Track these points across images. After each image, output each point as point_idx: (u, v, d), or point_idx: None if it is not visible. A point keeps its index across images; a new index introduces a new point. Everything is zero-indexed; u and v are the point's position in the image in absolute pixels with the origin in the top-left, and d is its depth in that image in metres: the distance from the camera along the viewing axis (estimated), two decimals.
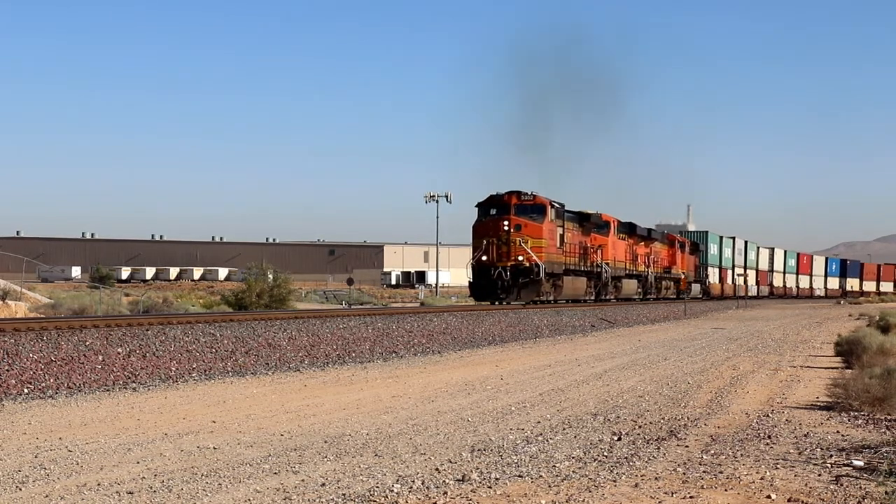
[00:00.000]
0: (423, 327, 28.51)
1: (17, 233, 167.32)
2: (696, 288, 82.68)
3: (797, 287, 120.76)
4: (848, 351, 22.07)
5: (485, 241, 42.69)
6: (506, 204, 43.33)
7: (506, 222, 42.53)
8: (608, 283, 54.83)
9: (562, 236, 46.20)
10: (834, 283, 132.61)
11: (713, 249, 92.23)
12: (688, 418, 13.10)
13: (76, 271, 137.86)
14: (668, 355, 24.38)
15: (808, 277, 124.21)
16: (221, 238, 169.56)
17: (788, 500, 8.41)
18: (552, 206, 44.69)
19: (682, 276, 76.47)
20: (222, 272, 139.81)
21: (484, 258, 42.46)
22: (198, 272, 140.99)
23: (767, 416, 13.39)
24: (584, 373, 19.49)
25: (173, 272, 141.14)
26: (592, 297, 53.13)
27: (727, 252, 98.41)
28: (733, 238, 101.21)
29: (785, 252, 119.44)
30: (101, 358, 17.70)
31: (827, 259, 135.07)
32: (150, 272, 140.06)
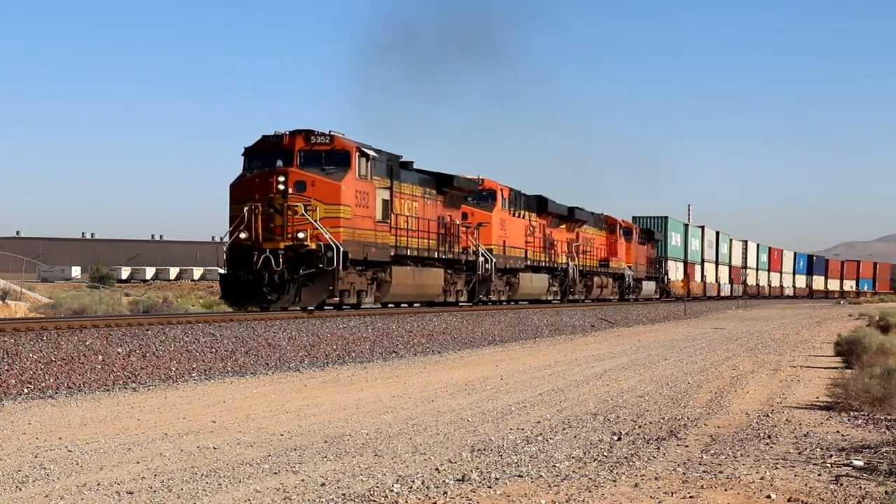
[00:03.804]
0: (423, 327, 28.52)
1: (17, 233, 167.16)
2: (648, 286, 67.42)
3: (769, 285, 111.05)
4: (848, 351, 22.09)
5: (246, 209, 27.12)
6: (286, 150, 28.09)
7: (280, 178, 27.14)
8: (491, 276, 39.24)
9: (387, 203, 30.64)
10: (801, 280, 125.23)
11: (675, 240, 77.68)
12: (688, 418, 13.11)
13: (76, 271, 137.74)
14: (668, 355, 24.38)
15: (778, 275, 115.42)
16: (221, 238, 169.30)
17: (788, 500, 8.41)
18: (363, 155, 28.88)
19: (627, 272, 61.14)
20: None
21: (243, 236, 27.13)
22: (198, 272, 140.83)
23: (767, 415, 13.39)
24: (583, 373, 19.50)
25: (173, 272, 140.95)
26: (464, 299, 38.31)
27: (694, 244, 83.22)
28: (702, 228, 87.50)
29: (758, 246, 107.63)
30: (101, 358, 17.70)
31: (795, 254, 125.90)
32: (150, 272, 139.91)
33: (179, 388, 16.41)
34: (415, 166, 34.04)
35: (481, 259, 38.58)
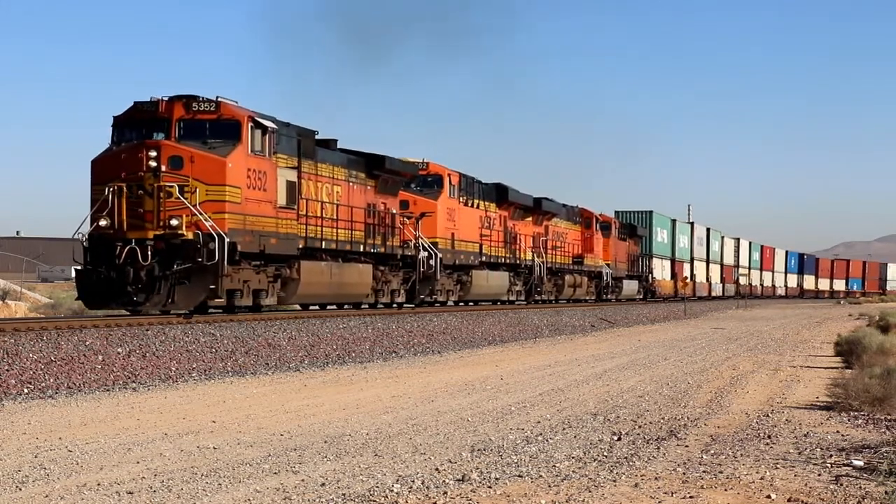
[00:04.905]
0: (423, 327, 28.51)
1: (17, 233, 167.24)
2: (630, 286, 62.68)
3: (761, 285, 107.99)
4: (848, 351, 22.09)
5: (108, 190, 22.55)
6: (162, 119, 23.32)
7: (152, 152, 22.48)
8: (436, 274, 34.19)
9: (293, 185, 25.88)
10: (793, 280, 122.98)
11: (661, 236, 72.61)
12: (688, 418, 13.11)
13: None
14: (668, 355, 24.39)
15: (770, 274, 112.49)
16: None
17: (788, 500, 8.41)
18: (258, 126, 24.11)
19: (605, 270, 56.43)
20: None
21: (103, 223, 22.51)
22: None
23: (767, 415, 13.40)
24: (583, 373, 19.50)
25: None
26: (402, 299, 33.22)
27: (683, 241, 78.21)
28: (691, 224, 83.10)
29: (750, 244, 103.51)
30: (101, 358, 17.70)
31: (787, 253, 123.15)
32: None
33: (179, 388, 16.41)
34: (341, 146, 29.72)
35: (423, 254, 33.50)
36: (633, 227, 65.29)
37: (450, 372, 19.65)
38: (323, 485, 8.88)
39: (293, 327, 24.14)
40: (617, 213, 66.93)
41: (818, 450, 10.70)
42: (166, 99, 23.47)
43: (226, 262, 22.68)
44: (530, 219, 46.11)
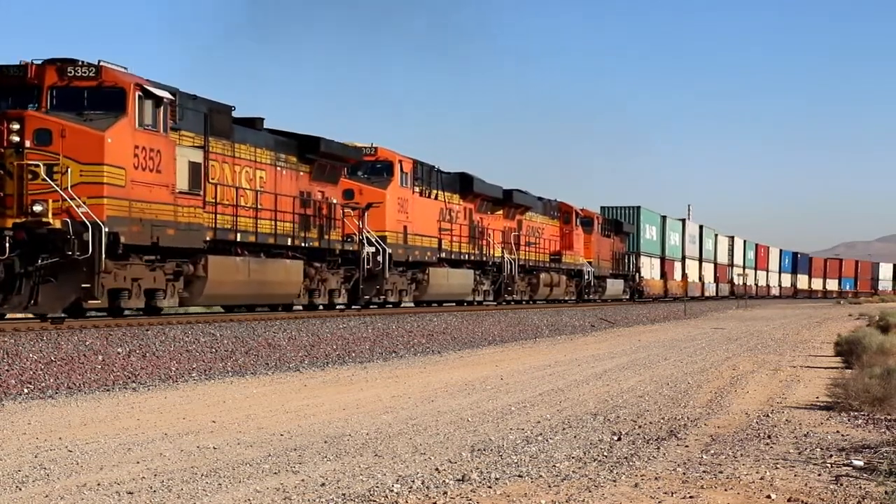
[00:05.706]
0: (423, 327, 28.52)
1: None
2: (615, 285, 59.85)
3: (756, 284, 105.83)
4: (848, 351, 22.09)
5: None
6: (31, 86, 20.27)
7: (14, 125, 19.42)
8: (384, 271, 30.80)
9: (197, 167, 22.60)
10: (787, 279, 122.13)
11: (650, 233, 69.40)
12: (688, 418, 13.11)
13: None
14: (668, 355, 24.39)
15: (764, 273, 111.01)
16: None
17: (788, 500, 8.42)
18: (149, 95, 20.89)
19: (586, 268, 53.56)
20: None
21: None
22: None
23: (767, 415, 13.40)
24: (583, 373, 19.50)
25: None
26: (342, 300, 30.18)
27: (674, 238, 75.34)
28: (682, 221, 79.66)
29: (744, 242, 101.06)
30: (101, 358, 17.70)
31: (781, 252, 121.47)
32: None
33: (179, 388, 16.41)
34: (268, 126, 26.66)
35: (369, 249, 29.94)
36: (619, 224, 62.54)
37: (450, 372, 19.65)
38: (323, 485, 8.88)
39: (293, 327, 24.15)
40: (602, 208, 64.59)
41: (818, 450, 10.71)
42: (38, 63, 20.46)
43: (104, 257, 19.56)
44: (501, 212, 42.94)
